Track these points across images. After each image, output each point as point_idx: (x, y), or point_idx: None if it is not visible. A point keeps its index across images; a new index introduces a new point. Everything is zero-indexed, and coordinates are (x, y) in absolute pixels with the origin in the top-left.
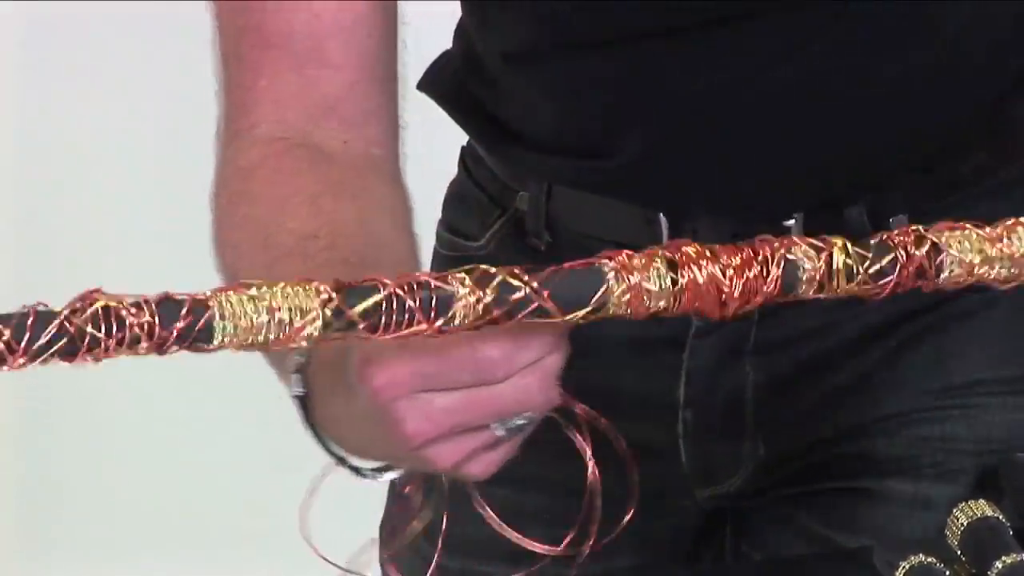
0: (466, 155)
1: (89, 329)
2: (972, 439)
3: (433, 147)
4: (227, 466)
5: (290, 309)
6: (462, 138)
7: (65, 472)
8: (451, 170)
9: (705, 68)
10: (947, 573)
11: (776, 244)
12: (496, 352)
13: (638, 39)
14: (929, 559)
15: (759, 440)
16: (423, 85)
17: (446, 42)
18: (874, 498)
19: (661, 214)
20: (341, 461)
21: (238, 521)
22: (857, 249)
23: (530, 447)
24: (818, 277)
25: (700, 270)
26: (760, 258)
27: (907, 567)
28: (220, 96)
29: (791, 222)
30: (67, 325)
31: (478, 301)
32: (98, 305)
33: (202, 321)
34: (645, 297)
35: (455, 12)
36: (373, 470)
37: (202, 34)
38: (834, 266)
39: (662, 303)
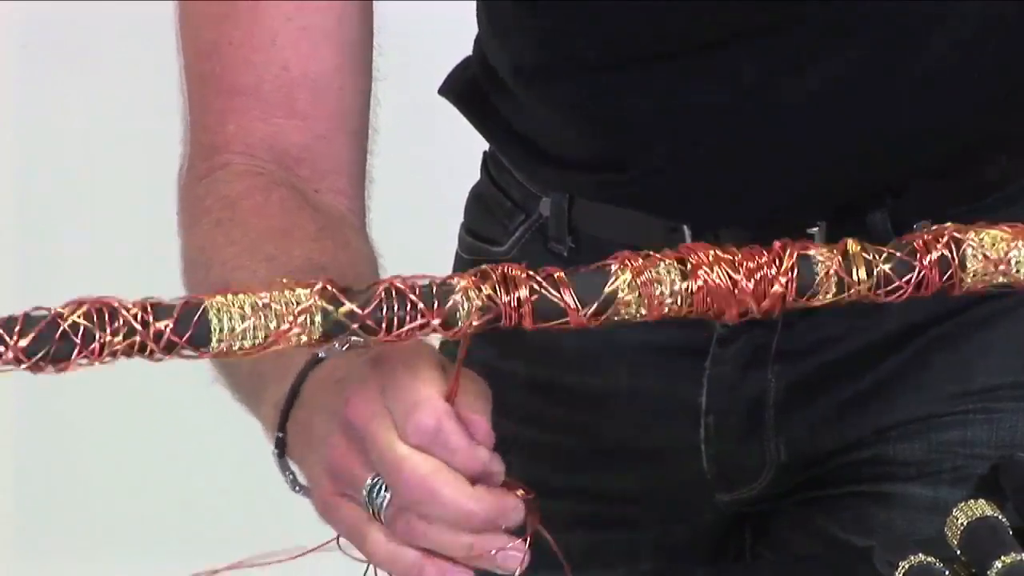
0: (488, 160)
1: (82, 329)
2: (992, 443)
3: (455, 150)
4: (227, 466)
5: (287, 308)
6: (484, 142)
7: (65, 472)
8: (473, 173)
9: (719, 83)
10: (947, 573)
11: (790, 245)
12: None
13: (649, 60)
14: (929, 559)
15: (780, 445)
16: (444, 91)
17: (456, 50)
18: (893, 502)
19: (684, 224)
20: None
21: (238, 521)
22: (874, 247)
23: None
24: (834, 272)
25: (712, 271)
26: (773, 257)
27: (907, 567)
28: (187, 137)
29: (814, 230)
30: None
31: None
32: (84, 309)
33: (198, 323)
34: (656, 299)
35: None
36: None
37: None
38: (851, 265)
39: (673, 304)
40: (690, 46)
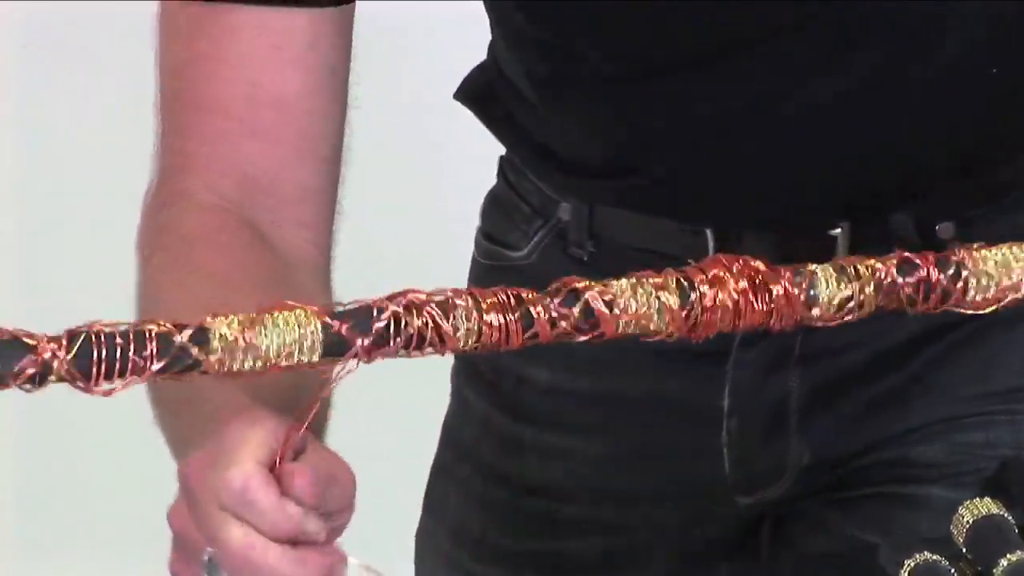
0: (505, 164)
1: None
2: (1015, 444)
3: (471, 153)
4: None
5: (287, 332)
6: (499, 145)
7: (65, 472)
8: (489, 176)
9: (736, 90)
10: (952, 571)
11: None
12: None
13: (664, 70)
14: (934, 557)
15: (803, 448)
16: (460, 95)
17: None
18: (915, 504)
19: (707, 229)
20: None
21: None
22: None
23: None
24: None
25: (712, 294)
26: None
27: (912, 565)
28: (156, 154)
29: (836, 231)
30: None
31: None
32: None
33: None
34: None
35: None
36: None
37: None
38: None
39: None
40: (705, 54)
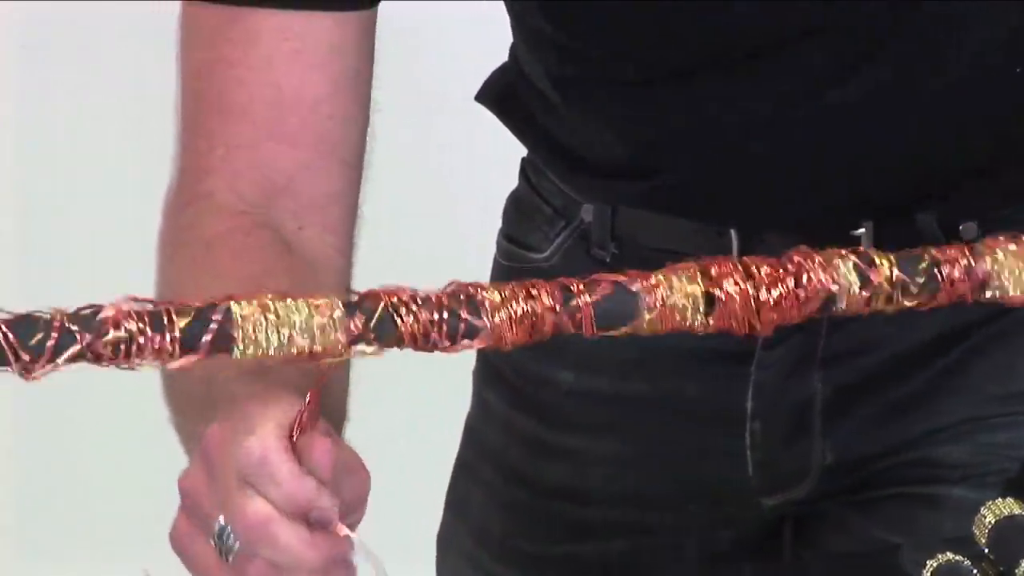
0: (527, 166)
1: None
2: None
3: (492, 155)
4: None
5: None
6: (521, 147)
7: (66, 473)
8: (510, 178)
9: (760, 93)
10: (975, 571)
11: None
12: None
13: (688, 74)
14: (956, 557)
15: (827, 449)
16: (481, 96)
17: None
18: (939, 504)
19: (731, 229)
20: None
21: None
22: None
23: None
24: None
25: (733, 287)
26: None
27: (934, 566)
28: (177, 156)
29: (860, 231)
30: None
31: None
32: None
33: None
34: (677, 315)
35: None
36: None
37: None
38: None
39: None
40: (727, 58)
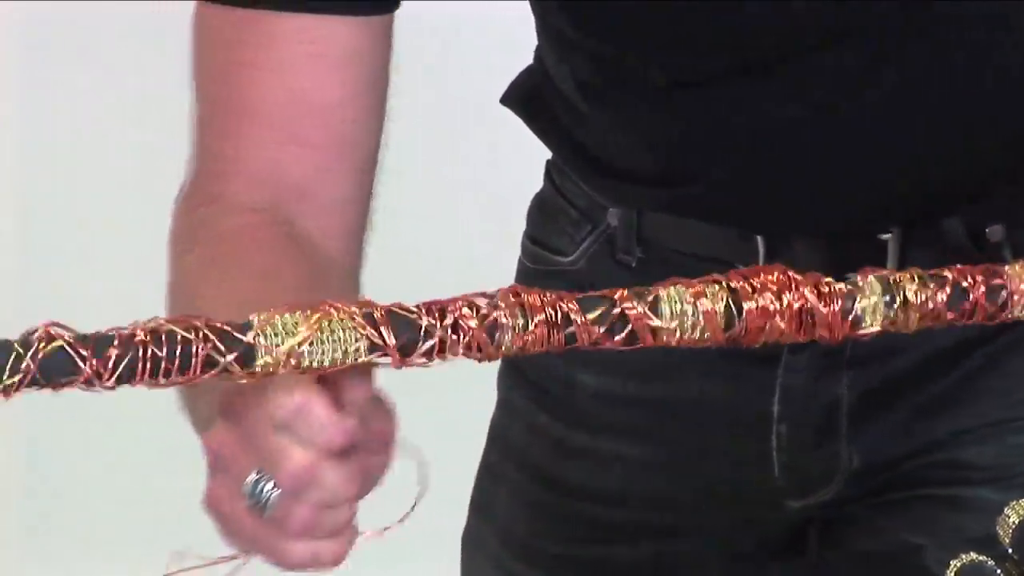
0: (552, 168)
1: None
2: None
3: (517, 156)
4: None
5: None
6: (545, 148)
7: (73, 475)
8: (535, 179)
9: (788, 98)
10: (999, 571)
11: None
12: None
13: (715, 80)
14: (980, 557)
15: (853, 452)
16: (507, 100)
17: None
18: (965, 506)
19: (758, 235)
20: None
21: None
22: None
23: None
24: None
25: (756, 303)
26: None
27: (958, 566)
28: (192, 158)
29: (887, 236)
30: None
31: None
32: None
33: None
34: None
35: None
36: None
37: None
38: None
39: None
40: (755, 63)
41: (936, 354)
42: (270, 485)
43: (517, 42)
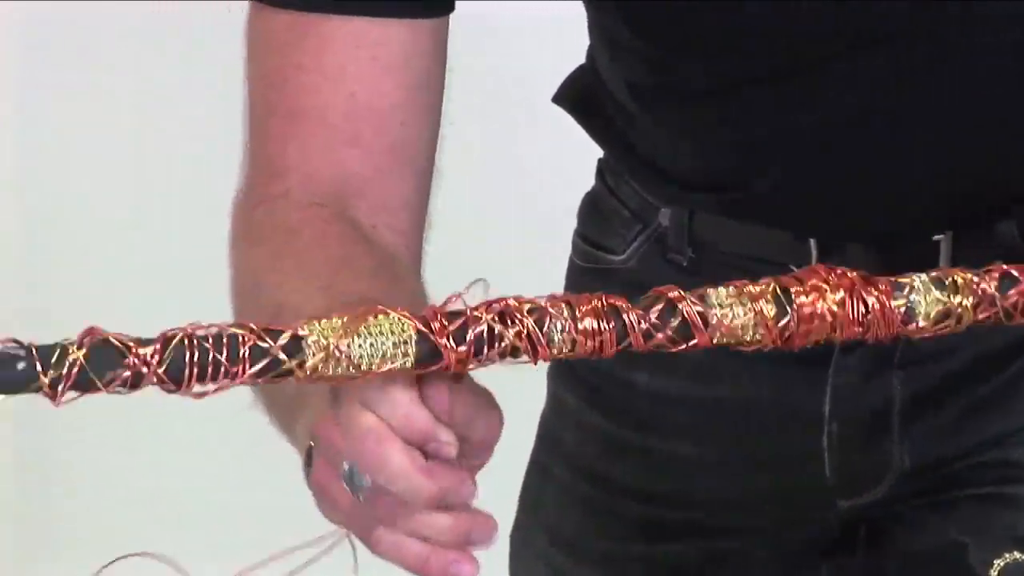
0: (604, 167)
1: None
2: None
3: (567, 155)
4: (234, 470)
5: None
6: (596, 148)
7: (66, 476)
8: (586, 177)
9: (838, 102)
10: None
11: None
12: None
13: (764, 83)
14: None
15: (904, 452)
16: (559, 99)
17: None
18: (1016, 505)
19: (811, 239)
20: None
21: (241, 522)
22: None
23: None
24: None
25: (809, 307)
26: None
27: (1002, 564)
28: (246, 162)
29: (940, 237)
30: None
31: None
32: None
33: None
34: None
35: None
36: None
37: (204, 35)
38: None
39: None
40: (806, 67)
41: (986, 355)
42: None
43: (569, 41)
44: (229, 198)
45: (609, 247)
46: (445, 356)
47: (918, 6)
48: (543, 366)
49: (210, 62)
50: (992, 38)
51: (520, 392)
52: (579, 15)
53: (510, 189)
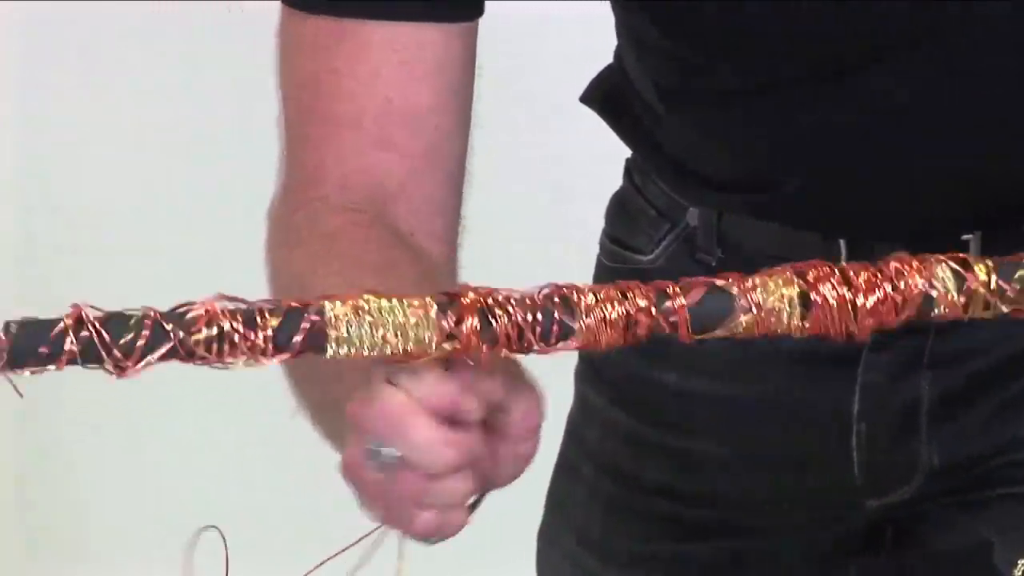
0: (632, 167)
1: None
2: None
3: (594, 155)
4: (231, 468)
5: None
6: (623, 147)
7: (68, 479)
8: (614, 176)
9: (866, 103)
10: None
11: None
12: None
13: (792, 85)
14: None
15: (933, 451)
16: (586, 98)
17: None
18: None
19: (840, 239)
20: None
21: (243, 523)
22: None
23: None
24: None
25: (830, 292)
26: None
27: None
28: (282, 167)
29: (969, 236)
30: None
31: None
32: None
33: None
34: (773, 319)
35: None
36: None
37: (204, 35)
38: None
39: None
40: (834, 69)
41: (1016, 354)
42: (391, 448)
43: (596, 40)
44: (230, 197)
45: (637, 247)
46: (463, 339)
47: (943, 7)
48: (570, 364)
49: (210, 62)
50: (1019, 38)
51: (548, 392)
52: (606, 15)
53: (538, 190)
